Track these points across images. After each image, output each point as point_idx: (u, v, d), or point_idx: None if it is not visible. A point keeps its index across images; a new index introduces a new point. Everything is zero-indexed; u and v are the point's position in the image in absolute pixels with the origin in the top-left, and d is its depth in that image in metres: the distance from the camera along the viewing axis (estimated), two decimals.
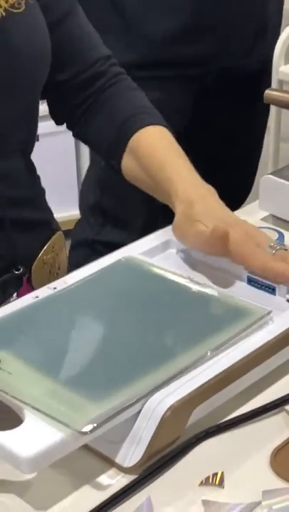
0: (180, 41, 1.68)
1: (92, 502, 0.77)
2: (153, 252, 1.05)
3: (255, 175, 1.95)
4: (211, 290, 0.97)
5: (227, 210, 1.04)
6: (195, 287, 0.98)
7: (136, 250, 1.04)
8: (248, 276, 1.00)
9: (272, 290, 0.99)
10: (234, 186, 1.80)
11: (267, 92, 1.42)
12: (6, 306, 0.94)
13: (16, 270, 1.11)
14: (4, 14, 1.02)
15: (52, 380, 0.82)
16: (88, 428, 0.76)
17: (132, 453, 0.80)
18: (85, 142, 1.22)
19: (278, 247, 0.99)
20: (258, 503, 0.77)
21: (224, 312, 0.94)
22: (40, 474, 0.80)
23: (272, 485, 0.79)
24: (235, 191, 1.80)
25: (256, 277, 0.99)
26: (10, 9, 1.03)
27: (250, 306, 0.93)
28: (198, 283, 0.98)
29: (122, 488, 0.78)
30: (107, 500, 0.77)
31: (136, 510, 0.76)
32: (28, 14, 1.05)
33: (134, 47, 1.66)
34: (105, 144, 1.15)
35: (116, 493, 0.77)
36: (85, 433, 0.76)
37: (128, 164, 1.13)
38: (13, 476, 0.79)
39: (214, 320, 0.93)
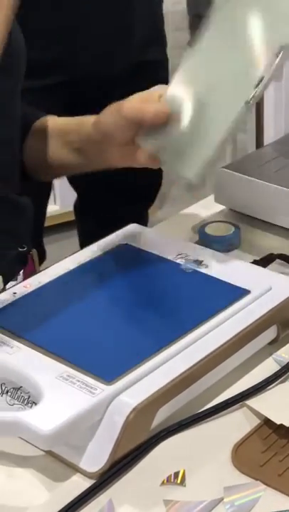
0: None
1: (55, 508, 0.76)
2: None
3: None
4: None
5: None
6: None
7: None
8: None
9: None
10: (143, 182, 1.69)
11: None
12: None
13: (21, 248, 1.12)
14: None
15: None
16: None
17: (96, 458, 0.78)
18: None
19: None
20: (221, 500, 0.76)
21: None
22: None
23: (234, 481, 0.78)
24: (145, 188, 1.77)
25: None
26: None
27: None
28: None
29: (83, 493, 0.77)
30: (67, 505, 0.76)
31: None
32: None
33: None
34: None
35: (76, 498, 0.76)
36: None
37: (32, 143, 1.13)
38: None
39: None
